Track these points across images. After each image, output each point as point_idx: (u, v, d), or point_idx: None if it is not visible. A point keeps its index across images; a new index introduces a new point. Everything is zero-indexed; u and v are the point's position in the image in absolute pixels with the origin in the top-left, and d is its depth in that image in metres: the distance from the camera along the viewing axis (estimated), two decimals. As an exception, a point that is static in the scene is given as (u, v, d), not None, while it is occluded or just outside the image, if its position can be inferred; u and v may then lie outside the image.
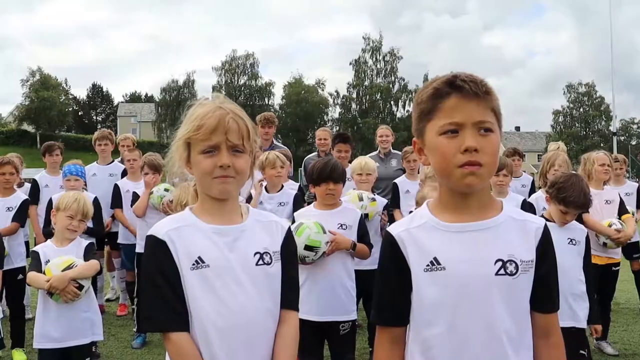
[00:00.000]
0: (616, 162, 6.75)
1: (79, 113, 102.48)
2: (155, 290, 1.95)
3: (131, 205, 6.36)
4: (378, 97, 77.18)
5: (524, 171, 7.72)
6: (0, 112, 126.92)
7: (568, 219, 4.08)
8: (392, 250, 1.86)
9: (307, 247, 3.81)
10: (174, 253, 1.94)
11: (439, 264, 1.78)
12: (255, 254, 2.00)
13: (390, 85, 77.59)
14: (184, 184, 3.91)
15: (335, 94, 79.69)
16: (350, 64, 78.05)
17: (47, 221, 5.95)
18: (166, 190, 5.88)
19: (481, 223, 1.80)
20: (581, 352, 4.07)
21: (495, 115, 1.76)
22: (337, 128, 78.71)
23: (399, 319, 1.87)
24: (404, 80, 77.90)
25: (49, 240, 4.20)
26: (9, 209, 5.94)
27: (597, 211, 5.69)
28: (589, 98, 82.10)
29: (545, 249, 1.83)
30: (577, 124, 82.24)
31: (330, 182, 4.10)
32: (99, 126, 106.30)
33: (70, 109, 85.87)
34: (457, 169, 1.71)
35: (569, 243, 4.02)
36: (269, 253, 2.02)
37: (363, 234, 4.27)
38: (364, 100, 78.01)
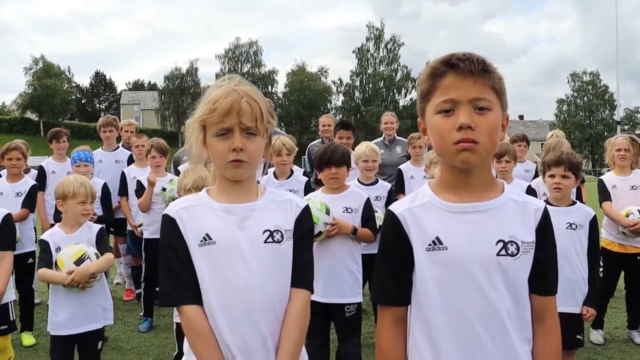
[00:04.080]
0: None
1: (82, 101, 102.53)
2: (167, 266, 2.02)
3: (135, 193, 6.40)
4: (381, 85, 77.07)
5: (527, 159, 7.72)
6: (3, 100, 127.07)
7: (556, 182, 4.09)
8: (394, 229, 1.88)
9: None
10: (182, 230, 2.00)
11: (441, 243, 1.80)
12: (265, 231, 2.02)
13: (393, 74, 77.38)
14: (188, 168, 4.00)
15: (338, 81, 79.75)
16: (353, 52, 78.19)
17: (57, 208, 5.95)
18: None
19: (483, 204, 1.82)
20: (577, 336, 4.12)
21: (497, 94, 1.77)
22: (341, 116, 78.55)
23: (401, 298, 1.89)
24: (406, 68, 77.82)
25: (56, 226, 4.16)
26: (18, 194, 5.99)
27: (622, 197, 5.70)
28: (593, 87, 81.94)
29: (544, 230, 1.86)
30: (581, 113, 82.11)
31: (333, 166, 4.16)
32: (102, 114, 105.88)
33: (74, 97, 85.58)
34: (453, 146, 1.73)
35: (567, 227, 4.04)
36: (280, 231, 2.04)
37: (368, 219, 4.30)
38: (367, 88, 77.91)
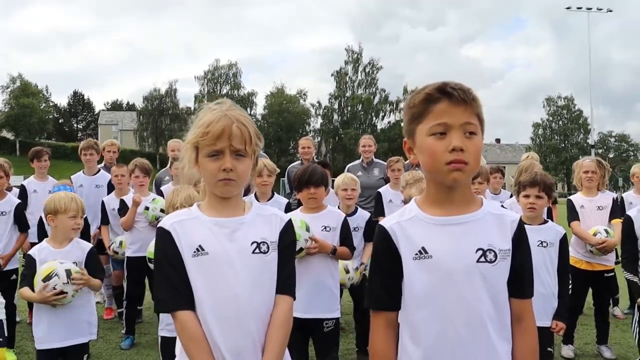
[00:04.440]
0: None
1: (60, 120, 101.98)
2: (162, 274, 2.18)
3: (118, 212, 6.47)
4: (359, 108, 77.63)
5: (504, 188, 7.83)
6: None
7: (531, 202, 4.29)
8: (384, 241, 2.06)
9: None
10: (177, 242, 2.16)
11: (426, 252, 1.98)
12: (253, 243, 2.19)
13: (371, 97, 78.18)
14: (176, 187, 4.17)
15: (317, 104, 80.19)
16: (332, 75, 78.78)
17: (41, 226, 5.99)
18: (162, 211, 5.88)
19: (463, 216, 2.01)
20: (548, 349, 4.27)
21: (479, 120, 1.98)
22: (319, 138, 78.94)
23: (392, 304, 2.05)
24: (384, 91, 78.81)
25: (44, 242, 4.23)
26: (2, 213, 5.99)
27: (589, 216, 5.93)
28: (567, 111, 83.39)
29: (519, 239, 2.05)
30: (556, 137, 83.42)
31: (311, 186, 4.29)
32: (80, 134, 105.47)
33: (51, 117, 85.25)
34: (445, 166, 1.92)
35: (538, 245, 4.21)
36: (266, 243, 2.21)
37: (345, 237, 4.43)
38: (346, 111, 78.44)
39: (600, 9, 46.03)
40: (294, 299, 2.31)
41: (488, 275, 1.96)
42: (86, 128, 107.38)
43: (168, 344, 3.89)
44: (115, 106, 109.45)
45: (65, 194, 4.32)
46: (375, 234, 2.15)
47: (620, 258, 4.90)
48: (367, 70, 78.38)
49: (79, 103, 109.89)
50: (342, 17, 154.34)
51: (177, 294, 2.13)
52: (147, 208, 6.06)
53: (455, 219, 2.01)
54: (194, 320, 2.12)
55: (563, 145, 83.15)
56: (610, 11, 48.32)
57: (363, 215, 5.81)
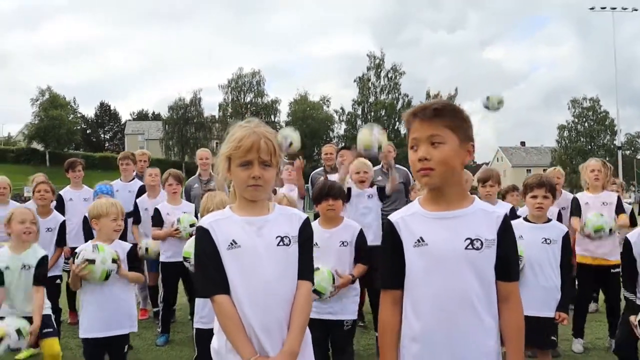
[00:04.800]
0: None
1: (87, 131, 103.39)
2: (202, 266, 2.63)
3: (152, 219, 6.94)
4: (383, 114, 77.69)
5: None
6: (9, 130, 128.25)
7: (539, 202, 4.66)
8: (391, 233, 2.51)
9: (314, 291, 4.26)
10: (214, 237, 2.58)
11: (423, 241, 2.42)
12: (277, 237, 2.61)
13: (394, 102, 78.28)
14: (210, 193, 4.66)
15: (340, 110, 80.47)
16: (355, 81, 78.91)
17: (87, 231, 6.51)
18: (191, 225, 6.39)
19: (455, 212, 2.44)
20: (552, 337, 4.65)
21: (452, 130, 2.39)
22: (343, 144, 79.23)
23: (398, 284, 2.48)
24: (407, 96, 78.70)
25: (89, 242, 4.66)
26: (48, 229, 6.44)
27: (594, 211, 6.29)
28: (593, 113, 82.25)
29: (504, 231, 2.45)
30: (582, 139, 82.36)
31: (330, 198, 4.66)
32: (107, 144, 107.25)
33: (79, 128, 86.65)
34: (417, 172, 2.42)
35: (542, 242, 4.60)
36: (288, 237, 2.64)
37: (359, 248, 4.72)
38: (369, 117, 78.07)
39: (625, 9, 45.45)
40: (313, 284, 2.75)
41: (475, 261, 2.38)
42: (113, 138, 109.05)
43: (202, 336, 4.30)
44: (141, 116, 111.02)
45: (106, 200, 4.83)
46: (384, 225, 2.62)
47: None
48: (389, 75, 78.70)
49: (106, 114, 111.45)
50: (362, 22, 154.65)
51: (215, 281, 2.55)
52: (177, 230, 6.54)
53: (448, 214, 2.44)
54: (229, 303, 2.53)
55: (589, 147, 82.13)
56: (636, 10, 47.72)
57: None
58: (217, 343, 2.65)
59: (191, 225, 6.38)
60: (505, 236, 2.45)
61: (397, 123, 78.63)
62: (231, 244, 2.56)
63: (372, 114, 77.84)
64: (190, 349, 5.87)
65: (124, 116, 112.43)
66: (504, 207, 5.89)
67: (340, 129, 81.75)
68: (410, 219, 2.50)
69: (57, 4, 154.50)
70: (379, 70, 78.47)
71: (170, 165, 8.31)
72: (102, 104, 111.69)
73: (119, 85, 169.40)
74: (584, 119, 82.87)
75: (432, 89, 76.48)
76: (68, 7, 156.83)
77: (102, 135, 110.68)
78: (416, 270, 2.43)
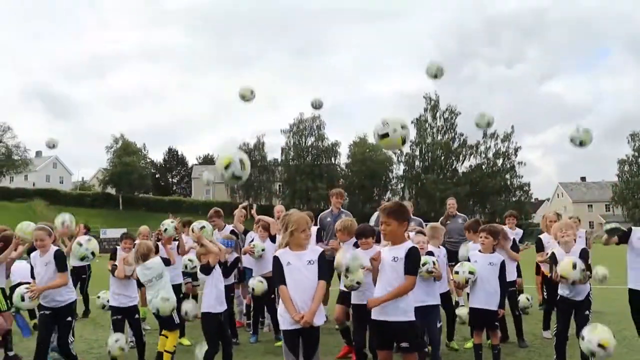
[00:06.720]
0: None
1: (156, 175, 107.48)
2: (275, 275, 5.12)
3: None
4: (439, 154, 79.49)
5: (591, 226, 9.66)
6: (82, 175, 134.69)
7: (482, 241, 6.99)
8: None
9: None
10: (282, 261, 5.06)
11: (382, 258, 5.18)
12: (308, 261, 5.07)
13: (450, 142, 79.89)
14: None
15: (399, 151, 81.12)
16: (412, 122, 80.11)
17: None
18: (262, 250, 8.94)
19: (395, 246, 5.10)
20: (495, 323, 6.79)
21: (393, 216, 5.06)
22: (402, 185, 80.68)
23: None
24: (462, 135, 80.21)
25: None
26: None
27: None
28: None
29: (408, 254, 4.99)
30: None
31: (363, 237, 6.79)
32: (175, 188, 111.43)
33: (148, 172, 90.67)
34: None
35: (488, 264, 6.81)
36: (313, 260, 5.08)
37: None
38: (427, 157, 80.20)
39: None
40: (327, 282, 5.20)
41: (395, 268, 5.02)
42: (180, 182, 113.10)
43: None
44: (207, 160, 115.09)
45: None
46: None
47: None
48: (445, 116, 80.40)
49: (173, 158, 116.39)
50: (419, 60, 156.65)
51: (282, 281, 5.02)
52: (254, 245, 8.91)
53: (391, 247, 5.14)
54: (286, 290, 5.00)
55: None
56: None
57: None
58: (281, 309, 5.04)
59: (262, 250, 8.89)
60: (408, 256, 4.98)
61: (454, 162, 79.73)
62: (288, 263, 5.04)
63: (430, 154, 79.23)
64: (268, 349, 8.03)
65: (191, 160, 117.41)
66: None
67: (399, 169, 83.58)
68: (384, 250, 5.25)
69: (126, 53, 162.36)
70: (435, 111, 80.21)
71: (237, 207, 10.54)
72: (170, 149, 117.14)
73: (185, 130, 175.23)
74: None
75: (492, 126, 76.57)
76: (136, 55, 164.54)
77: (170, 179, 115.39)
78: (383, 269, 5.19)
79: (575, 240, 6.70)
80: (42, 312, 6.69)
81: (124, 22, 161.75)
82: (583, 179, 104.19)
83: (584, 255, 6.47)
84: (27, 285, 6.75)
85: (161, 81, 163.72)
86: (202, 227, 7.68)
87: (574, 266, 6.11)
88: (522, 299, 8.94)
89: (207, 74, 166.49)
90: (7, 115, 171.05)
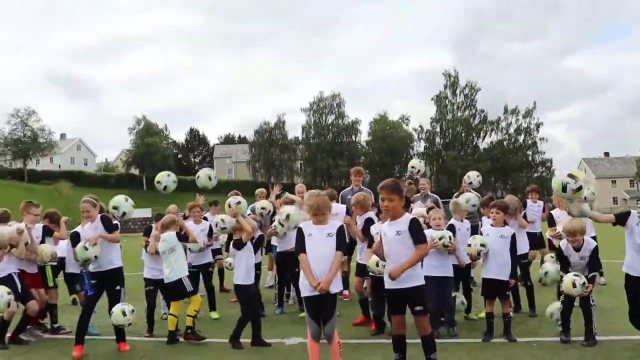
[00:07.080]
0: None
1: (178, 155, 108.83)
2: (298, 244, 5.65)
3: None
4: (460, 130, 79.25)
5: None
6: (105, 156, 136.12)
7: (493, 216, 7.49)
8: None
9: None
10: (305, 232, 5.62)
11: (385, 234, 5.58)
12: (327, 233, 5.55)
13: (471, 118, 79.70)
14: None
15: (419, 128, 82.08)
16: (432, 99, 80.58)
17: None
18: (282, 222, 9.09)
19: (395, 221, 5.48)
20: (507, 293, 7.26)
21: (396, 192, 5.45)
22: (423, 161, 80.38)
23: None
24: (483, 112, 80.00)
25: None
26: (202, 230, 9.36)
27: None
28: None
29: (411, 226, 5.38)
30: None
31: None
32: (197, 167, 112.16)
33: (171, 153, 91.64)
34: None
35: (499, 237, 7.28)
36: (332, 233, 5.56)
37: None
38: (447, 134, 79.98)
39: None
40: (344, 254, 5.63)
41: (400, 239, 5.39)
42: (202, 161, 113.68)
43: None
44: (228, 139, 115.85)
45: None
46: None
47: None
48: (465, 92, 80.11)
49: (195, 139, 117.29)
50: (436, 36, 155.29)
51: (303, 250, 5.52)
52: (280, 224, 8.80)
53: (393, 222, 5.49)
54: (306, 259, 5.49)
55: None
56: None
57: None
58: (301, 277, 5.55)
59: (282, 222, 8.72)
60: (412, 228, 5.33)
61: (475, 138, 79.37)
62: (309, 234, 5.56)
63: (450, 130, 79.12)
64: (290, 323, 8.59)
65: (212, 140, 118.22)
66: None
67: (419, 146, 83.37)
68: (384, 224, 5.72)
69: (142, 35, 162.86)
70: (454, 87, 79.92)
71: (259, 186, 10.87)
72: (191, 129, 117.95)
73: (206, 110, 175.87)
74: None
75: (510, 102, 76.31)
76: (151, 38, 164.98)
77: (192, 159, 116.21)
78: (386, 243, 5.56)
79: (583, 239, 6.86)
80: (93, 280, 7.23)
81: (140, 5, 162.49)
82: (606, 154, 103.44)
83: (594, 253, 6.89)
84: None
85: (180, 62, 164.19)
86: (238, 202, 7.84)
87: (574, 285, 6.57)
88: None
89: (225, 53, 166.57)
90: (31, 99, 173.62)
